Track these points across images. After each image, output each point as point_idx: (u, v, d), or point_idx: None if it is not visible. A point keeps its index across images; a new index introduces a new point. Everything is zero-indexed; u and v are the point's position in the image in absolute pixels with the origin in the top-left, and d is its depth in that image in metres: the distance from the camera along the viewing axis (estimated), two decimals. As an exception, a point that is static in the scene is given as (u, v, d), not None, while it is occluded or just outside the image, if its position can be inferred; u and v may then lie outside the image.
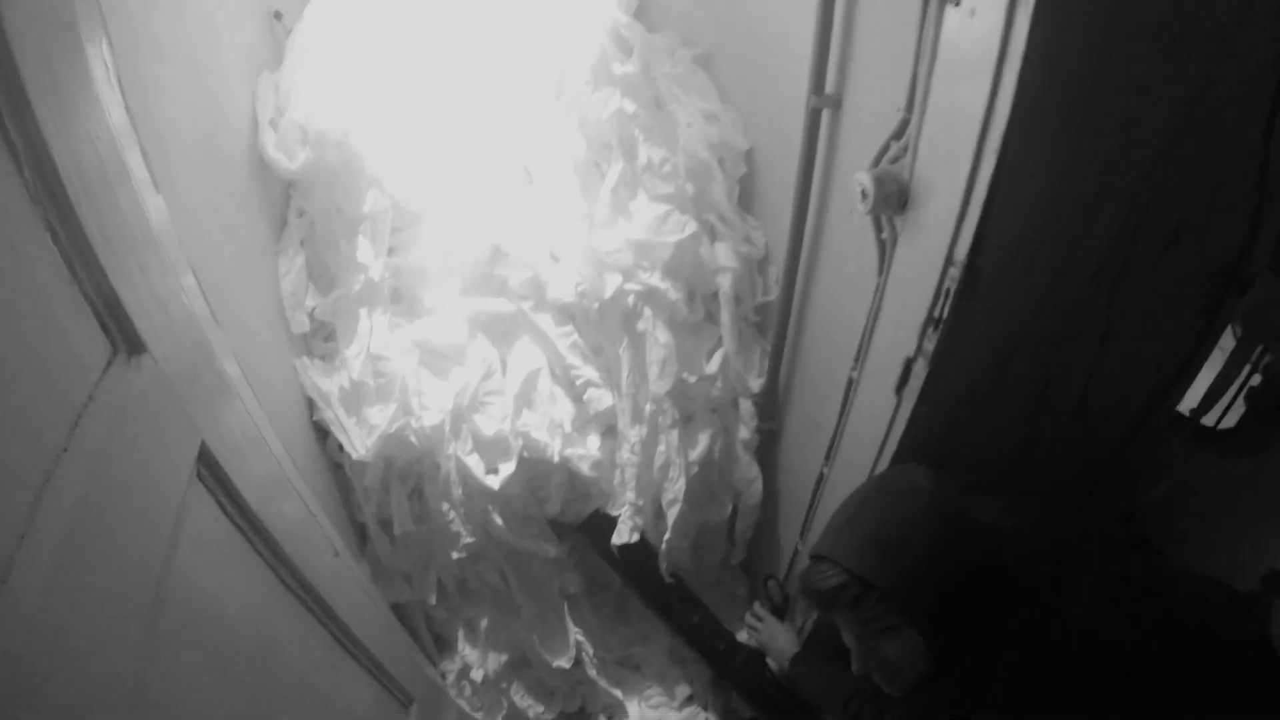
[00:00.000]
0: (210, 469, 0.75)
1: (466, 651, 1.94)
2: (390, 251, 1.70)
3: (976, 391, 1.33)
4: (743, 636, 1.96)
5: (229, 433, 0.81)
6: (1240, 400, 1.60)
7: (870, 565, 1.11)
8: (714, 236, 1.80)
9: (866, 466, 1.42)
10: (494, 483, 1.62)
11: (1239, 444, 1.63)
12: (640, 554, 1.82)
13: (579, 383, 1.68)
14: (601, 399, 1.68)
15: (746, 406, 1.81)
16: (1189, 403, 1.53)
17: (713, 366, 1.75)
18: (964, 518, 1.15)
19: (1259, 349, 1.48)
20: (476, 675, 1.94)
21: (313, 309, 1.68)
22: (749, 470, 1.85)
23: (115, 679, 0.53)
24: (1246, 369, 1.49)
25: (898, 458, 1.35)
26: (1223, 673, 1.21)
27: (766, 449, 1.91)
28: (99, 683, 0.51)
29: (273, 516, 0.88)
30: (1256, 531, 2.66)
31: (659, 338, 1.67)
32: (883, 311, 1.32)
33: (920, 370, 1.23)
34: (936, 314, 1.14)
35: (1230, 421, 1.58)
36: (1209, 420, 1.60)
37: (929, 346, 1.20)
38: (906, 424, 1.30)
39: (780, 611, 1.90)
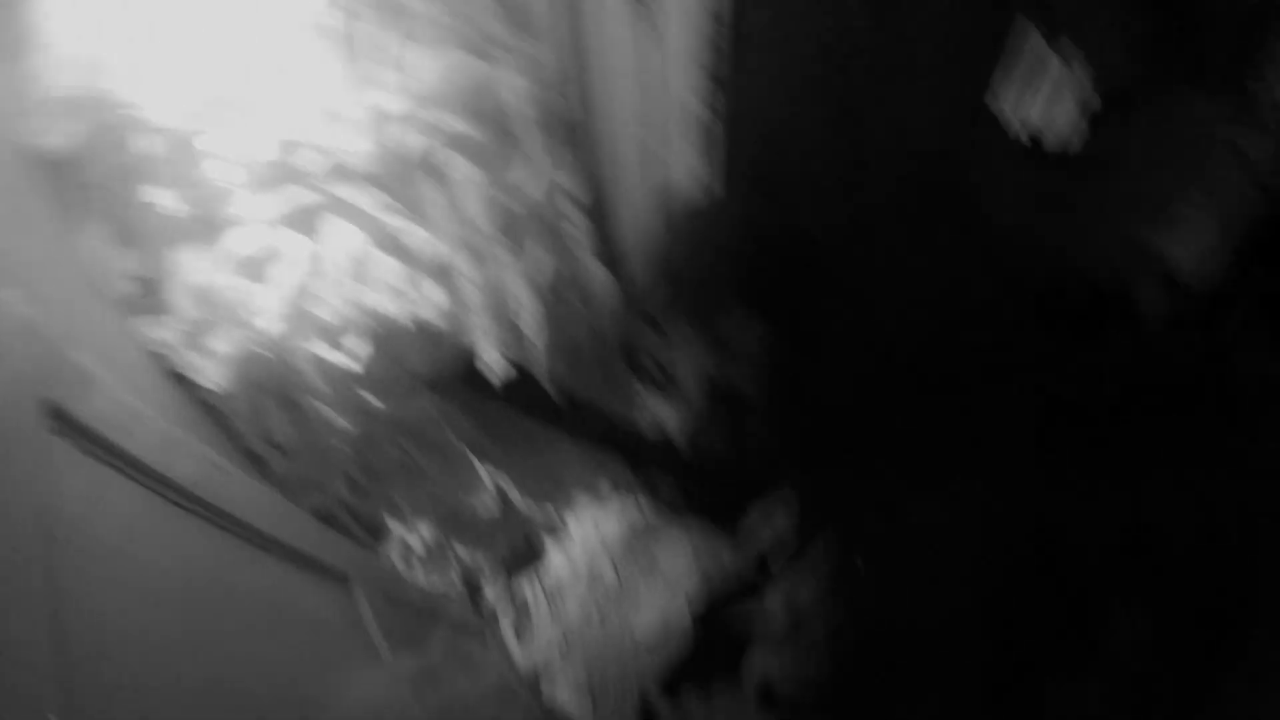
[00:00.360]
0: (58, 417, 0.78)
1: (396, 528, 2.01)
2: (178, 181, 1.60)
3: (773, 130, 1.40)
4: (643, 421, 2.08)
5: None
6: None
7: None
8: (501, 65, 1.76)
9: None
10: (354, 364, 1.63)
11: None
12: (519, 378, 1.88)
13: (401, 240, 1.67)
14: (430, 248, 1.68)
15: (578, 215, 1.84)
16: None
17: (532, 186, 1.75)
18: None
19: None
20: (415, 545, 2.02)
21: (127, 271, 1.61)
22: (597, 274, 1.90)
23: (30, 628, 0.57)
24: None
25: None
26: None
27: (611, 250, 1.95)
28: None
29: (141, 447, 0.92)
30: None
31: (467, 174, 1.66)
32: (652, 82, 1.36)
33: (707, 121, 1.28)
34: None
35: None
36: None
37: (705, 99, 1.24)
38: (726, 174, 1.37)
39: (667, 386, 2.01)
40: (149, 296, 1.67)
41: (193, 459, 1.13)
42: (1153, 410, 1.46)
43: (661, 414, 1.97)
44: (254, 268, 1.66)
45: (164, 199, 1.55)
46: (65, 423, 0.80)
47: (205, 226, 1.65)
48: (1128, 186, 1.43)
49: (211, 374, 1.61)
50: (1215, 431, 1.53)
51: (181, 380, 1.65)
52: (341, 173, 1.63)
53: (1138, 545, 1.68)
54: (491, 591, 2.19)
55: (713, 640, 1.95)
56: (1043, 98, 1.36)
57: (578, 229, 1.85)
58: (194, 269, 1.60)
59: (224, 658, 0.97)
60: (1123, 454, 1.44)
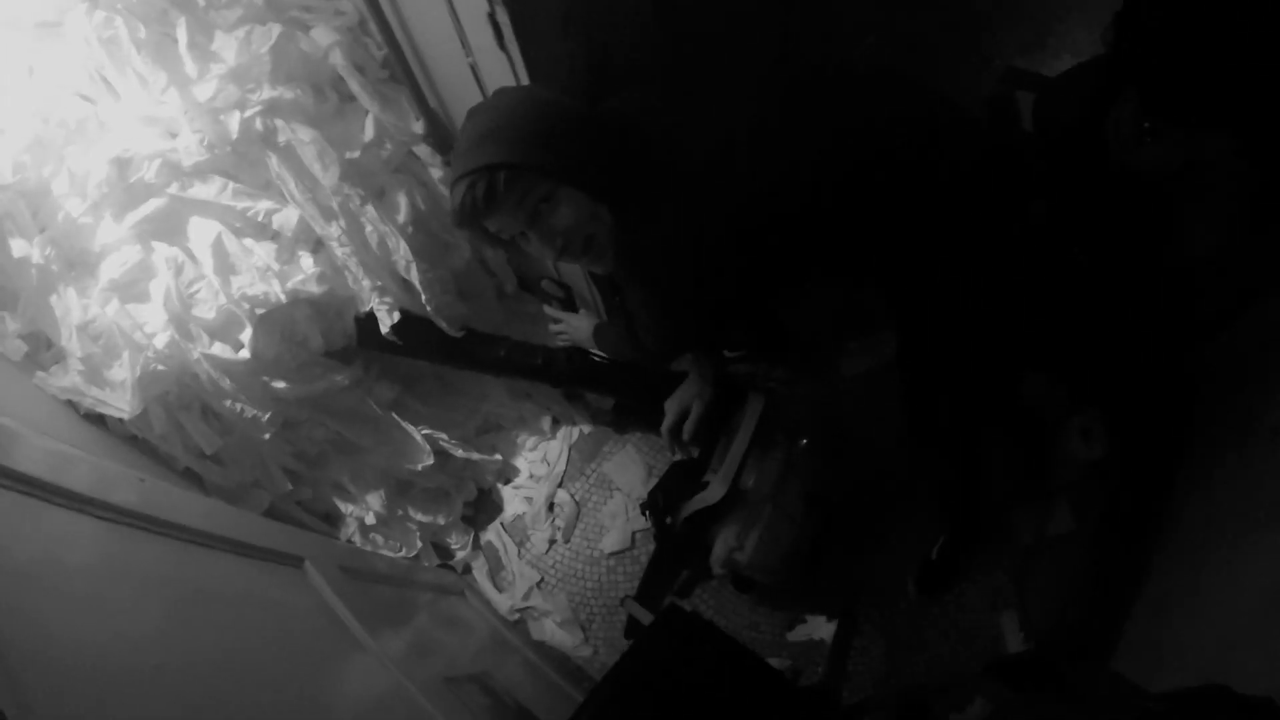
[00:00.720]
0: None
1: (348, 508, 2.04)
2: (42, 230, 1.62)
3: (573, 11, 1.42)
4: (557, 344, 2.11)
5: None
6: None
7: (485, 154, 1.21)
8: (305, 26, 1.77)
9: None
10: (245, 353, 1.66)
11: None
12: (416, 328, 1.92)
13: (260, 219, 1.70)
14: (289, 219, 1.71)
15: (424, 150, 1.86)
16: None
17: (369, 134, 1.77)
18: (562, 98, 1.27)
19: None
20: (371, 520, 2.05)
21: (14, 331, 1.62)
22: (459, 201, 1.91)
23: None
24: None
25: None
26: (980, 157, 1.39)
27: (467, 177, 1.96)
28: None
29: (77, 482, 1.05)
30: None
31: (302, 138, 1.68)
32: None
33: (503, 16, 1.31)
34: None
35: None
36: None
37: (493, -9, 1.27)
38: (529, 70, 1.40)
39: (570, 304, 2.04)
40: (43, 350, 1.70)
41: (130, 485, 1.21)
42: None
43: (572, 334, 2.00)
44: (132, 289, 1.69)
45: (32, 251, 1.57)
46: None
47: (77, 265, 1.68)
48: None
49: (120, 403, 1.63)
50: None
51: (100, 421, 1.69)
52: (186, 173, 1.66)
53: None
54: (459, 546, 2.24)
55: (678, 538, 2.00)
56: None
57: (425, 163, 1.88)
58: (77, 309, 1.63)
59: (179, 647, 1.03)
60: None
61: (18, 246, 1.56)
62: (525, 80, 1.41)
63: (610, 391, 2.22)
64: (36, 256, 1.57)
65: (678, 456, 2.04)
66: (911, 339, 1.60)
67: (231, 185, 1.68)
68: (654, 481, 2.24)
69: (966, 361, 1.58)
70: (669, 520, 2.00)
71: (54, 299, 1.62)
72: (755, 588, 2.05)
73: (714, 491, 1.90)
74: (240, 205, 1.69)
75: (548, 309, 2.06)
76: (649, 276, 1.37)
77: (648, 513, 2.08)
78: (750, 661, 1.56)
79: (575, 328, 2.00)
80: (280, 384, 1.78)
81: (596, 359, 2.09)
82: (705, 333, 1.75)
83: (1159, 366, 1.99)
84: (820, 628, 2.05)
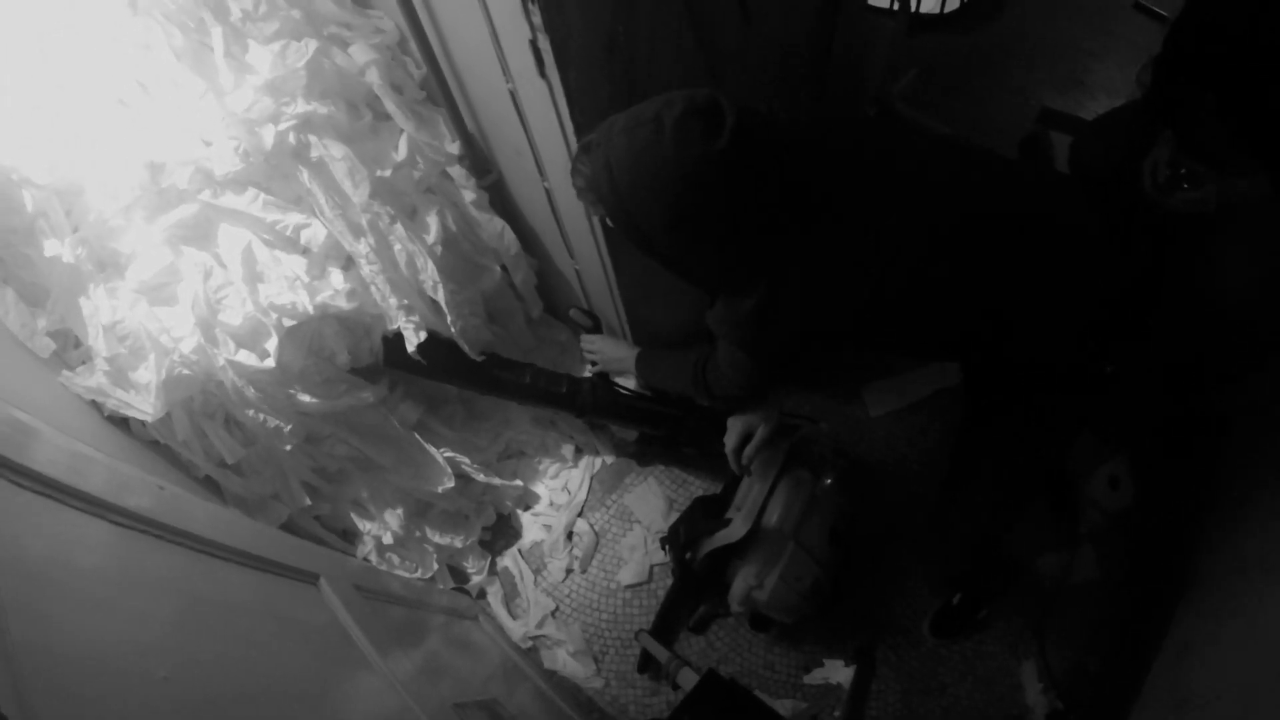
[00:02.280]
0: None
1: (366, 526, 2.03)
2: (74, 229, 1.64)
3: (616, 41, 1.43)
4: (587, 372, 2.10)
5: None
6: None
7: (618, 218, 1.24)
8: (344, 43, 1.79)
9: (565, 159, 1.53)
10: (270, 363, 1.66)
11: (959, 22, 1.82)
12: (442, 349, 1.91)
13: (290, 233, 1.71)
14: (317, 235, 1.71)
15: (458, 172, 1.86)
16: None
17: (402, 153, 1.78)
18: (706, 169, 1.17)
19: None
20: (388, 540, 2.04)
21: (44, 329, 1.64)
22: (492, 225, 1.92)
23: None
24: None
25: (581, 132, 1.46)
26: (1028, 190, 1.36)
27: (501, 199, 1.98)
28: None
29: (93, 485, 1.03)
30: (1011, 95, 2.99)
31: (334, 154, 1.69)
32: (494, 19, 1.39)
33: (544, 43, 1.31)
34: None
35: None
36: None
37: (536, 19, 1.27)
38: (568, 98, 1.40)
39: (598, 330, 2.04)
40: (71, 349, 1.71)
41: (147, 491, 1.20)
42: None
43: (605, 360, 2.00)
44: (160, 292, 1.70)
45: (63, 250, 1.59)
46: (12, 469, 0.91)
47: (107, 266, 1.70)
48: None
49: (144, 405, 1.64)
50: None
51: (123, 424, 1.70)
52: (219, 181, 1.68)
53: None
54: (475, 570, 2.22)
55: (698, 574, 1.98)
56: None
57: (459, 184, 1.88)
58: (106, 309, 1.64)
59: (187, 656, 1.02)
60: None
61: (50, 245, 1.58)
62: (564, 107, 1.41)
63: (634, 424, 2.20)
64: (68, 255, 1.58)
65: (708, 492, 2.02)
66: (984, 412, 1.58)
67: (263, 196, 1.69)
68: (675, 516, 2.22)
69: (1036, 434, 1.55)
70: (689, 555, 1.97)
71: (83, 299, 1.63)
72: (773, 627, 2.03)
73: (736, 529, 1.88)
74: (270, 218, 1.69)
75: (582, 336, 2.05)
76: (765, 334, 1.36)
77: (667, 547, 2.06)
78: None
79: (610, 355, 1.99)
80: (305, 397, 1.77)
81: (621, 390, 2.08)
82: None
83: (1188, 412, 1.96)
84: (838, 671, 2.01)
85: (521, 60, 1.39)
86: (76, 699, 0.78)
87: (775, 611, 1.88)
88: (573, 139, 1.47)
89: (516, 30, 1.32)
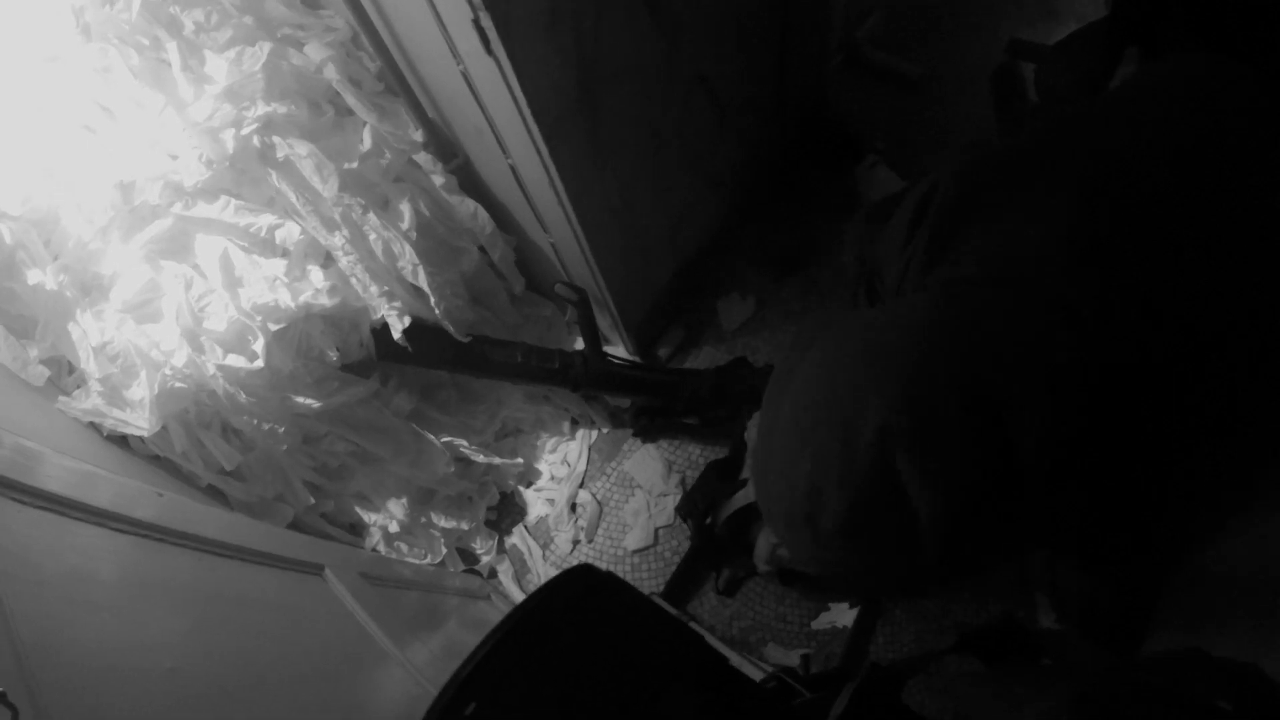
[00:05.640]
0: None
1: (371, 518, 2.08)
2: (55, 257, 1.68)
3: (559, 11, 1.46)
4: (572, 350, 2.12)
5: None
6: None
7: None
8: (298, 43, 1.82)
9: (524, 133, 1.56)
10: (259, 364, 1.70)
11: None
12: (428, 334, 1.95)
13: (264, 234, 1.74)
14: (292, 234, 1.75)
15: (424, 158, 1.89)
16: None
17: (366, 144, 1.81)
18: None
19: None
20: (394, 529, 2.10)
21: (36, 358, 1.68)
22: (464, 207, 1.95)
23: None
24: None
25: (534, 105, 1.49)
26: None
27: (471, 181, 2.01)
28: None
29: (101, 499, 1.13)
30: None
31: (300, 152, 1.72)
32: (436, 3, 1.41)
33: (486, 21, 1.34)
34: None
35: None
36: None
37: (478, -3, 1.31)
38: (517, 72, 1.43)
39: (585, 305, 2.05)
40: (65, 375, 1.76)
41: (149, 500, 1.27)
42: None
43: (585, 329, 2.03)
44: (145, 309, 1.74)
45: (46, 279, 1.63)
46: (18, 490, 0.99)
47: (91, 289, 1.74)
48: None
49: (139, 421, 1.68)
50: None
51: (123, 442, 1.75)
52: (189, 193, 1.71)
53: None
54: (484, 550, 2.28)
55: (720, 540, 2.00)
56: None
57: (427, 170, 1.91)
58: (94, 331, 1.68)
59: (197, 650, 1.08)
60: None
61: (32, 275, 1.62)
62: (515, 82, 1.43)
63: (629, 393, 2.24)
64: (51, 283, 1.62)
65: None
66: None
67: (234, 202, 1.72)
68: (675, 477, 2.26)
69: None
70: (709, 521, 1.99)
71: (71, 324, 1.67)
72: (801, 580, 2.05)
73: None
74: (244, 222, 1.72)
75: (557, 308, 2.08)
76: None
77: (686, 519, 2.08)
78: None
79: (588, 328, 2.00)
80: (298, 399, 1.81)
81: (614, 360, 2.12)
82: None
83: None
84: (843, 614, 2.06)
85: (468, 41, 1.41)
86: (84, 692, 0.83)
87: (803, 564, 1.91)
88: (527, 112, 1.49)
89: (459, 11, 1.35)
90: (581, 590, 1.45)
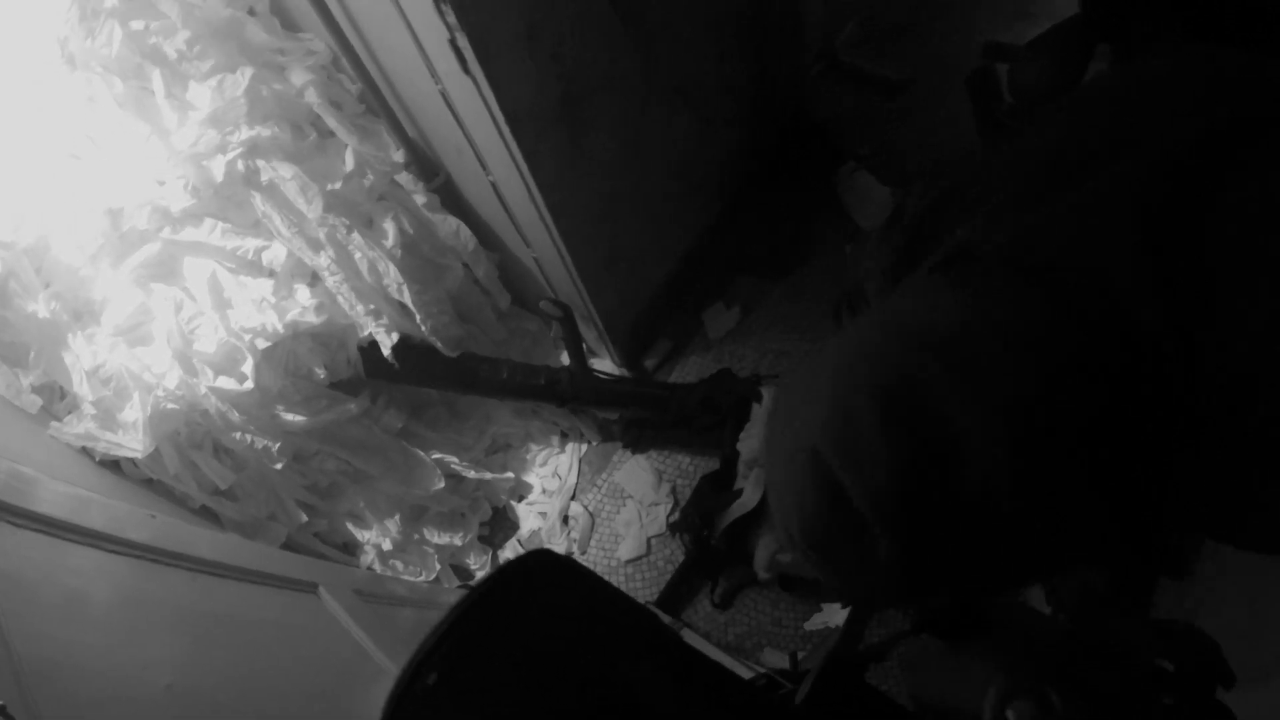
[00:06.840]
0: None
1: (364, 536, 2.10)
2: (47, 285, 1.71)
3: (536, 28, 1.49)
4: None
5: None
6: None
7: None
8: (280, 68, 1.86)
9: (503, 150, 1.59)
10: (248, 384, 1.73)
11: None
12: (415, 352, 1.98)
13: (251, 256, 1.77)
14: (278, 255, 1.78)
15: (406, 178, 1.92)
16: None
17: (349, 165, 1.84)
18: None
19: None
20: (388, 546, 2.12)
21: (29, 385, 1.70)
22: (447, 225, 1.98)
23: None
24: None
25: (513, 122, 1.52)
26: None
27: (453, 199, 2.04)
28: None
29: (96, 521, 1.16)
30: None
31: (284, 174, 1.75)
32: (414, 25, 1.45)
33: (463, 41, 1.38)
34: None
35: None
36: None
37: (451, 19, 1.34)
38: (494, 89, 1.46)
39: (570, 321, 2.08)
40: (57, 401, 1.78)
41: (141, 522, 1.29)
42: None
43: (571, 345, 2.06)
44: (136, 332, 1.77)
45: (39, 306, 1.66)
46: (13, 513, 1.02)
47: (83, 314, 1.76)
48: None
49: (132, 443, 1.70)
50: None
51: (115, 466, 1.77)
52: (176, 218, 1.75)
53: None
54: (478, 565, 2.29)
55: (720, 551, 2.00)
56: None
57: (408, 190, 1.95)
58: (87, 356, 1.71)
59: (191, 668, 1.10)
60: None
61: (25, 303, 1.65)
62: (493, 99, 1.47)
63: (616, 406, 2.26)
64: (43, 311, 1.65)
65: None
66: None
67: (220, 226, 1.75)
68: (666, 487, 2.28)
69: None
70: (706, 534, 2.00)
71: (64, 350, 1.70)
72: (801, 584, 2.06)
73: (750, 497, 1.86)
74: (230, 245, 1.76)
75: (543, 323, 2.10)
76: None
77: (683, 535, 2.10)
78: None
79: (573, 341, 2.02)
80: (288, 415, 1.84)
81: (599, 375, 2.14)
82: None
83: None
84: (836, 614, 2.08)
85: (446, 61, 1.44)
86: (83, 708, 0.86)
87: (802, 569, 1.91)
88: (506, 129, 1.53)
89: (435, 32, 1.38)
90: (537, 568, 1.47)
